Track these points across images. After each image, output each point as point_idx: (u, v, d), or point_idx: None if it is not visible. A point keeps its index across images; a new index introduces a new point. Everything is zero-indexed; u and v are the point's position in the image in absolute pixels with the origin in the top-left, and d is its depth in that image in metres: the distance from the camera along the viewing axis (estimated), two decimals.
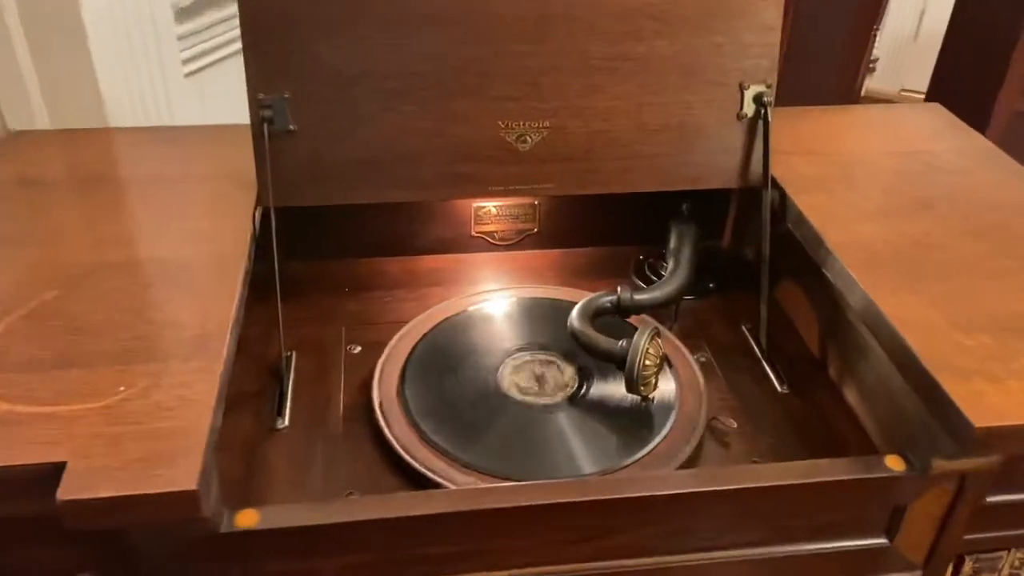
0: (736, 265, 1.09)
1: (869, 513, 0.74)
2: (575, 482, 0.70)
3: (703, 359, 0.94)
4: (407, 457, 0.78)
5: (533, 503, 0.66)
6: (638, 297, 0.90)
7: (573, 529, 0.70)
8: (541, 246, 1.10)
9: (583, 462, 0.78)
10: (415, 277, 1.05)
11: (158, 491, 0.57)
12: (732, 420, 0.85)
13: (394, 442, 0.80)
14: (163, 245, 0.80)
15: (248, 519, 0.65)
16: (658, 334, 0.83)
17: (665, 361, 0.84)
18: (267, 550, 0.66)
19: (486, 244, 1.09)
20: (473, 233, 1.08)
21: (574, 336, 0.86)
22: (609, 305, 0.89)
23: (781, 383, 0.91)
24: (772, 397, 0.90)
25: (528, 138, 0.90)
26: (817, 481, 0.70)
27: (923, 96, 2.34)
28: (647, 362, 0.81)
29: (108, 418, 0.62)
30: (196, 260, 0.79)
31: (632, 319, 0.92)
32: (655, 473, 0.76)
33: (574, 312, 0.87)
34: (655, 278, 1.06)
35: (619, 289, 0.90)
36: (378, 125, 0.87)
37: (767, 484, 0.69)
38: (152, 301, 0.73)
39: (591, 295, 0.90)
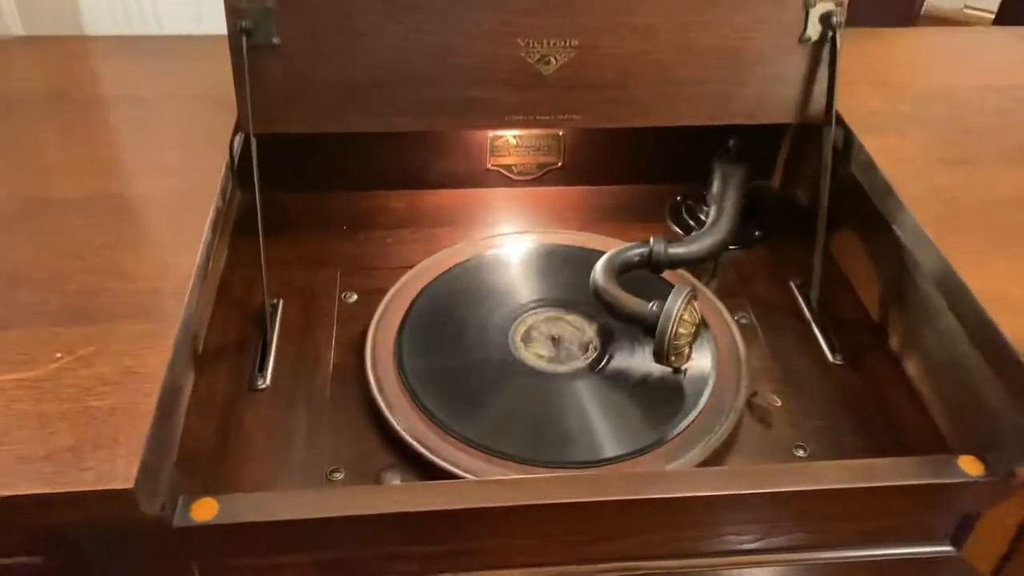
0: (786, 210, 0.96)
1: (934, 519, 0.64)
2: (590, 479, 0.60)
3: (744, 321, 0.82)
4: (401, 431, 0.68)
5: (540, 502, 0.56)
6: (673, 250, 0.78)
7: (586, 530, 0.60)
8: (565, 182, 0.98)
9: (603, 442, 0.68)
10: (421, 215, 0.94)
11: (87, 489, 0.48)
12: (775, 397, 0.74)
13: (387, 413, 0.70)
14: (122, 179, 0.69)
15: (205, 511, 0.55)
16: (695, 296, 0.71)
17: (702, 327, 0.73)
18: (228, 545, 0.57)
19: (503, 179, 0.97)
20: (489, 166, 0.96)
21: (597, 294, 0.75)
22: (639, 259, 0.78)
23: (833, 352, 0.79)
24: (822, 368, 0.78)
25: (552, 59, 0.77)
26: (876, 486, 0.59)
27: (991, 16, 2.14)
28: (681, 330, 0.69)
29: (38, 392, 0.53)
30: (159, 198, 0.68)
31: (666, 274, 0.81)
32: (682, 471, 0.66)
33: (599, 266, 0.76)
34: (693, 224, 0.93)
35: (652, 240, 0.78)
36: (377, 40, 0.75)
37: (815, 487, 0.59)
38: (102, 247, 0.63)
39: (619, 246, 0.78)
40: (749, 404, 0.73)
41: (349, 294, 0.83)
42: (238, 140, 0.76)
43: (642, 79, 0.79)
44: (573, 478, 0.60)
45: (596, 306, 0.76)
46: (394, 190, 0.95)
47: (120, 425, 0.51)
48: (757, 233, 0.92)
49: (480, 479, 0.63)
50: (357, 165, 0.93)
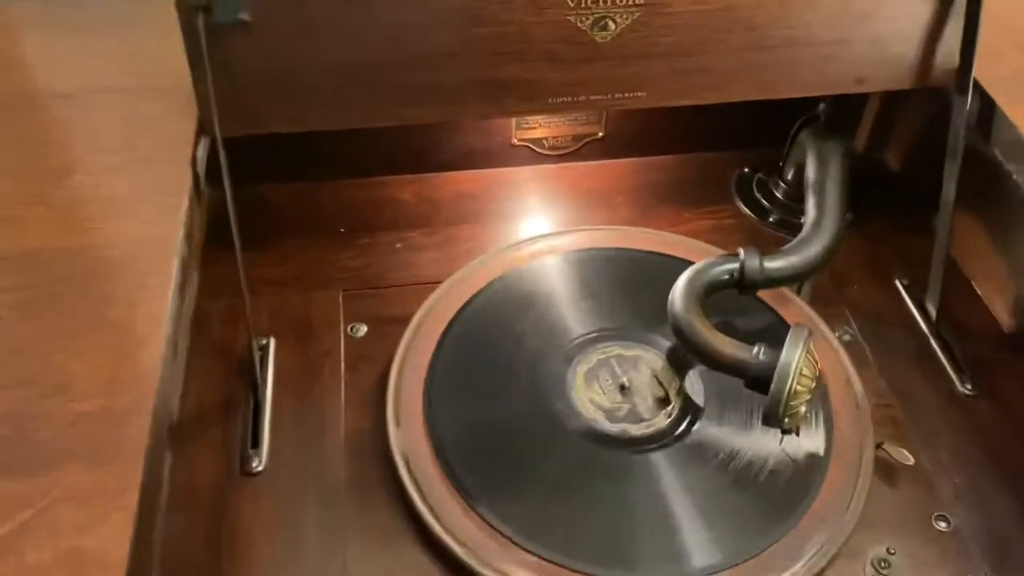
0: (875, 181, 0.79)
1: None
2: None
3: (847, 337, 0.67)
4: (443, 537, 0.53)
5: None
6: (771, 265, 0.62)
7: None
8: (607, 155, 0.80)
9: (698, 544, 0.53)
10: (435, 207, 0.76)
11: None
12: (905, 452, 0.59)
13: (423, 510, 0.54)
14: (45, 229, 0.51)
15: None
16: (811, 339, 0.55)
17: (820, 380, 0.57)
18: None
19: (531, 155, 0.79)
20: (515, 141, 0.78)
21: (679, 333, 0.58)
22: (728, 278, 0.61)
23: (962, 378, 0.64)
24: (950, 401, 0.63)
25: (611, 22, 0.59)
26: None
27: None
28: (799, 387, 0.54)
29: None
30: (102, 255, 0.50)
31: (763, 294, 0.64)
32: None
33: (678, 292, 0.59)
34: (768, 204, 0.77)
35: (742, 254, 0.61)
36: (379, 9, 0.56)
37: None
38: (19, 340, 0.45)
39: (701, 262, 0.62)
40: (875, 459, 0.58)
41: (356, 326, 0.66)
42: (202, 149, 0.57)
43: (723, 43, 0.61)
44: None
45: (672, 338, 0.60)
46: (400, 175, 0.77)
47: None
48: (848, 215, 0.75)
49: None
50: (354, 146, 0.74)
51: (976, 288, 0.69)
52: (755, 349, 0.56)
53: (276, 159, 0.73)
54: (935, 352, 0.66)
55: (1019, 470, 0.59)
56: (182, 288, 0.49)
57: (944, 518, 0.57)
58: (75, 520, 0.38)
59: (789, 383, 0.53)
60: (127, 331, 0.46)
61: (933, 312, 0.67)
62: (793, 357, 0.53)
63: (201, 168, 0.56)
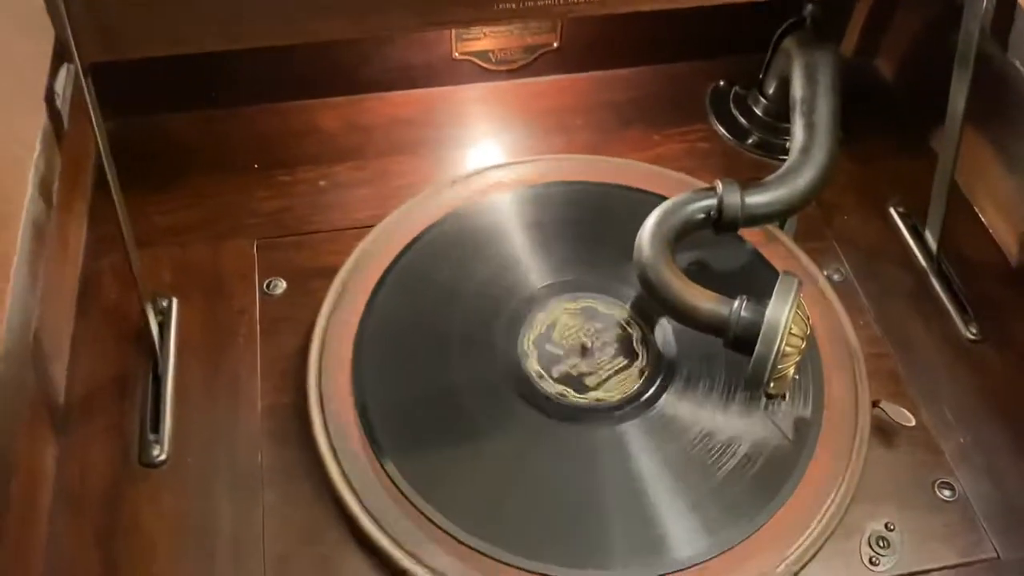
0: (865, 90, 0.70)
1: None
2: None
3: (837, 277, 0.59)
4: (376, 535, 0.45)
5: None
6: (754, 200, 0.53)
7: None
8: (564, 69, 0.70)
9: (673, 533, 0.46)
10: (366, 135, 0.65)
11: None
12: (906, 412, 0.51)
13: (347, 499, 0.46)
14: None
15: None
16: (801, 291, 0.47)
17: (811, 339, 0.49)
18: None
19: (477, 71, 0.68)
20: (456, 55, 0.67)
21: (649, 285, 0.50)
22: (704, 217, 0.52)
23: (966, 320, 0.57)
24: (955, 349, 0.56)
25: None
26: None
27: None
28: (788, 348, 0.46)
29: None
30: None
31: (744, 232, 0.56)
32: None
33: (646, 236, 0.51)
34: (744, 121, 0.68)
35: (720, 187, 0.52)
36: None
37: None
38: None
39: (671, 200, 0.53)
40: (872, 418, 0.51)
41: (274, 282, 0.57)
42: (63, 76, 0.47)
43: None
44: None
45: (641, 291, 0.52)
46: (323, 98, 0.66)
47: None
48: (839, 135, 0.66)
49: None
50: (267, 65, 0.63)
51: (982, 217, 0.61)
52: (736, 303, 0.48)
53: (176, 84, 0.63)
54: (936, 291, 0.59)
55: None
56: (32, 259, 0.39)
57: (948, 485, 0.50)
58: None
59: (777, 345, 0.45)
60: None
61: (933, 245, 0.59)
62: (781, 315, 0.45)
63: (63, 95, 0.46)
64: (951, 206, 0.59)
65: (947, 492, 0.50)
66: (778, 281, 0.47)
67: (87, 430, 0.50)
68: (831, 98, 0.57)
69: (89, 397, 0.51)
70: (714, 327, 0.48)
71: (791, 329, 0.45)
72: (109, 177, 0.46)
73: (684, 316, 0.49)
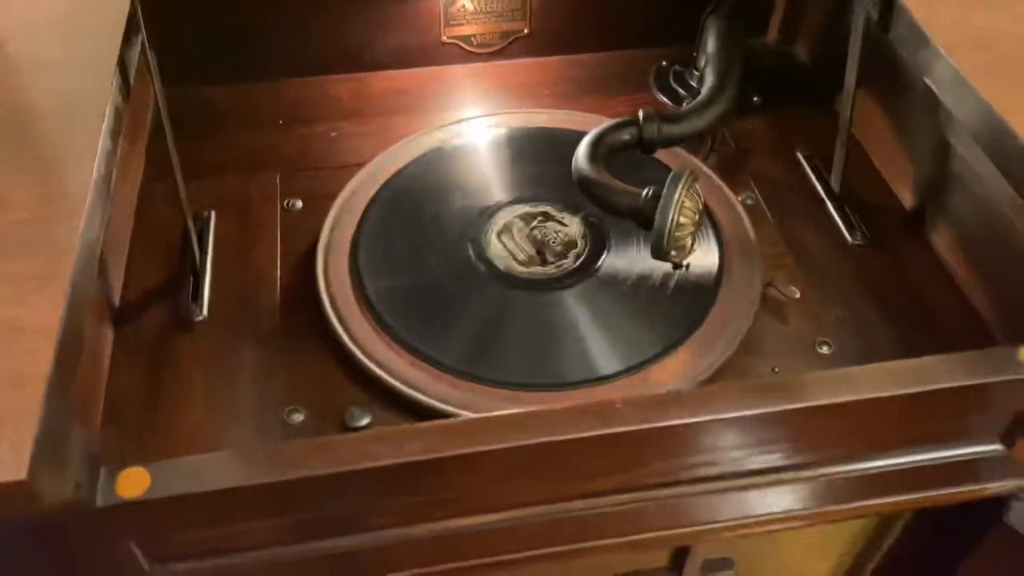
0: (785, 70, 0.85)
1: (985, 419, 0.56)
2: (591, 408, 0.50)
3: (749, 201, 0.72)
4: (366, 362, 0.58)
5: (532, 442, 0.47)
6: (668, 127, 0.67)
7: (588, 466, 0.51)
8: (534, 52, 0.85)
9: (602, 357, 0.59)
10: (369, 102, 0.81)
11: None
12: (793, 288, 0.64)
13: (347, 341, 0.59)
14: None
15: (134, 485, 0.45)
16: (696, 179, 0.61)
17: (704, 215, 0.62)
18: (168, 521, 0.47)
19: (461, 53, 0.84)
20: (444, 39, 0.83)
21: (582, 184, 0.64)
22: (628, 138, 0.66)
23: (852, 232, 0.70)
24: (841, 251, 0.69)
25: None
26: (926, 391, 0.50)
27: None
28: (682, 219, 0.59)
29: None
30: (36, 103, 0.55)
31: (660, 153, 0.69)
32: (704, 391, 0.57)
33: (581, 150, 0.65)
34: (684, 93, 0.82)
35: (641, 115, 0.66)
36: None
37: (854, 398, 0.50)
38: None
39: (602, 124, 0.67)
40: (763, 295, 0.64)
41: (292, 201, 0.71)
42: (133, 45, 0.62)
43: None
44: (574, 410, 0.50)
45: (581, 198, 0.65)
46: (335, 74, 0.82)
47: (5, 399, 0.40)
48: (755, 99, 0.80)
49: (467, 418, 0.54)
50: (290, 47, 0.80)
51: (869, 154, 0.74)
52: (645, 192, 0.61)
53: (218, 61, 0.79)
54: (830, 212, 0.71)
55: (898, 306, 0.65)
56: (114, 130, 0.54)
57: (826, 343, 0.62)
58: (8, 297, 0.43)
59: (671, 217, 0.58)
60: (60, 162, 0.51)
61: (835, 182, 0.72)
62: (674, 193, 0.58)
63: (131, 65, 0.61)
64: (854, 160, 0.72)
65: (825, 349, 0.62)
66: (672, 171, 0.60)
67: (143, 304, 0.64)
68: (735, 56, 0.72)
69: (144, 281, 0.65)
70: (630, 211, 0.61)
71: (683, 202, 0.59)
72: (164, 119, 0.61)
73: (608, 206, 0.63)
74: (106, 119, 0.53)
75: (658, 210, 0.58)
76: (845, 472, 0.56)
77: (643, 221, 0.61)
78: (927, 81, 0.61)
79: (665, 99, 0.82)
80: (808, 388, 0.50)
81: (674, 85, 0.83)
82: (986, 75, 0.56)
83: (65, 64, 0.57)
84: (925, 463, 0.57)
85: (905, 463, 0.57)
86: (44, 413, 0.40)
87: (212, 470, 0.46)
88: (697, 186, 0.60)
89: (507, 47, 0.84)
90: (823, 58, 0.83)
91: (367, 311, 0.61)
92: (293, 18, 0.78)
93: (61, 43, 0.58)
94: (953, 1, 0.63)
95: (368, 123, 0.79)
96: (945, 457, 0.57)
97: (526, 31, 0.83)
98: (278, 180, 0.73)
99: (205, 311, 0.63)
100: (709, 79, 0.71)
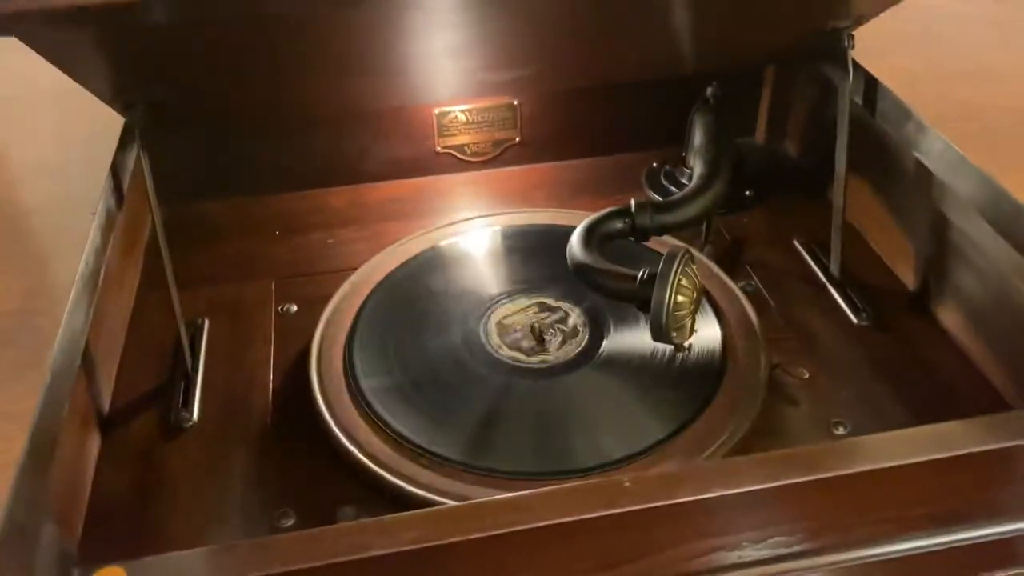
0: (775, 166, 0.86)
1: (1013, 491, 0.52)
2: (600, 487, 0.48)
3: (749, 288, 0.71)
4: (359, 455, 0.56)
5: (540, 524, 0.44)
6: (661, 215, 0.67)
7: (597, 551, 0.48)
8: (526, 160, 0.86)
9: (608, 443, 0.56)
10: (365, 211, 0.82)
11: None
12: (801, 369, 0.62)
13: (341, 436, 0.57)
14: None
15: None
16: (691, 258, 0.60)
17: (703, 295, 0.61)
18: None
19: (455, 162, 0.85)
20: (438, 149, 0.84)
21: (577, 271, 0.63)
22: (622, 226, 0.66)
23: (857, 313, 0.68)
24: (847, 333, 0.67)
25: None
26: (948, 457, 0.48)
27: None
28: (680, 298, 0.58)
29: None
30: (33, 203, 0.55)
31: (652, 243, 0.69)
32: (712, 464, 0.54)
33: (575, 238, 0.64)
34: (675, 189, 0.82)
35: (633, 204, 0.67)
36: None
37: (874, 467, 0.47)
38: None
39: (595, 215, 0.67)
40: (771, 379, 0.62)
41: (287, 306, 0.71)
42: (127, 153, 0.63)
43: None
44: (580, 489, 0.47)
45: (579, 285, 0.64)
46: (332, 187, 0.83)
47: None
48: (748, 192, 0.81)
49: (462, 503, 0.51)
50: (286, 161, 0.81)
51: (864, 236, 0.73)
52: (641, 274, 0.60)
53: (215, 176, 0.80)
54: (832, 295, 0.70)
55: (910, 383, 0.63)
56: (104, 229, 0.54)
57: (841, 424, 0.60)
58: None
59: (668, 295, 0.57)
60: (49, 257, 0.50)
61: (833, 265, 0.71)
62: (670, 270, 0.57)
63: (124, 172, 0.61)
64: (852, 243, 0.72)
65: (841, 430, 0.60)
66: (667, 252, 0.59)
67: (133, 410, 0.62)
68: (723, 146, 0.73)
69: (135, 388, 0.64)
70: (627, 294, 0.60)
71: (680, 280, 0.58)
72: (158, 230, 0.61)
73: (605, 290, 0.62)
74: (97, 216, 0.53)
75: (655, 289, 0.57)
76: (869, 556, 0.53)
77: (642, 303, 0.60)
78: (917, 155, 0.61)
79: (657, 197, 0.82)
80: (824, 458, 0.47)
81: (665, 183, 0.83)
82: (975, 142, 0.57)
83: (62, 170, 0.58)
84: (953, 544, 0.54)
85: (933, 545, 0.53)
86: (13, 501, 0.38)
87: (194, 566, 0.43)
88: (694, 266, 0.59)
89: (500, 155, 0.85)
90: (812, 150, 0.85)
91: (362, 409, 0.59)
92: (291, 132, 0.79)
93: (58, 150, 0.60)
94: (934, 78, 0.64)
95: (364, 230, 0.79)
96: (976, 537, 0.54)
97: (518, 139, 0.85)
98: (273, 287, 0.73)
99: (195, 416, 0.61)
100: (699, 168, 0.71)
